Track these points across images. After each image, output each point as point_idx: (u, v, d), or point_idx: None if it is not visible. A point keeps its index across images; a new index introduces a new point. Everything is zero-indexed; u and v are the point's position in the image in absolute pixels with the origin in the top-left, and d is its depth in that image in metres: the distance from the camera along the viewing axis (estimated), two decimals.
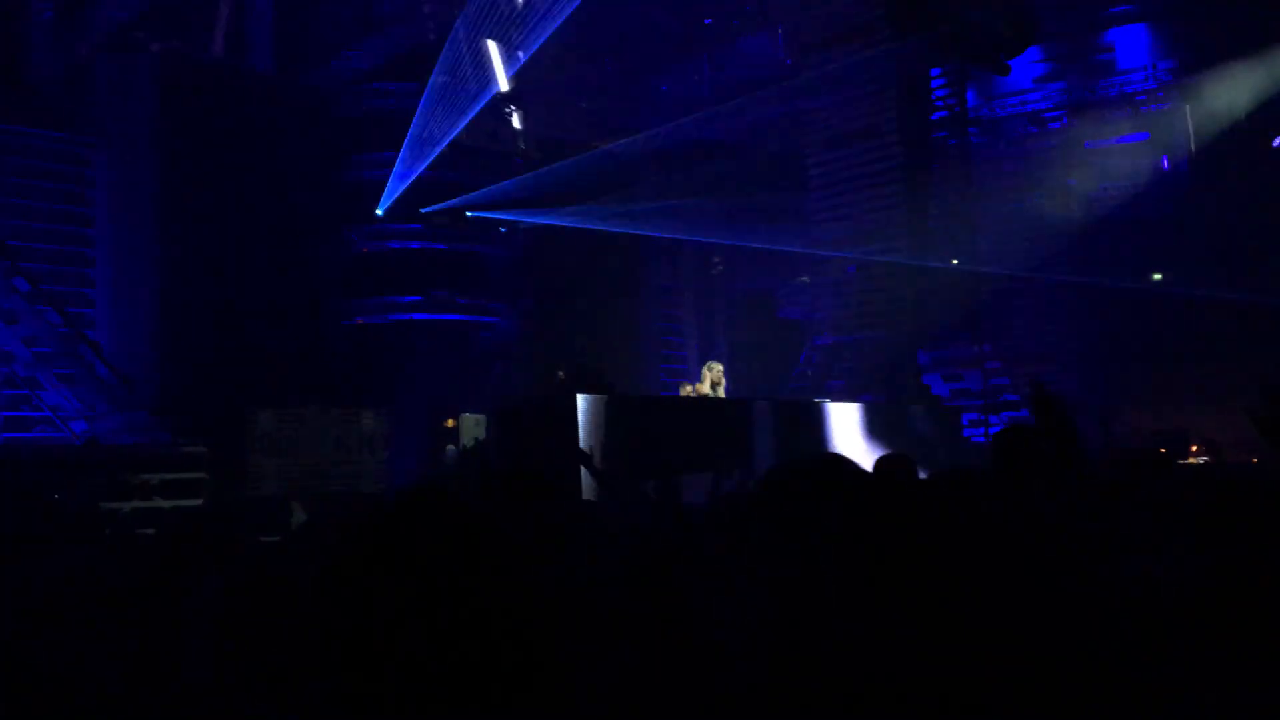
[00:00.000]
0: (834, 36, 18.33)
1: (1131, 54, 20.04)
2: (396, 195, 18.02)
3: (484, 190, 18.37)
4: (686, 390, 13.72)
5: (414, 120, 17.56)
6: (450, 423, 15.36)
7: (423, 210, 18.15)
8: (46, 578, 3.49)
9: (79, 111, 16.81)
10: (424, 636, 1.52)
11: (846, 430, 12.51)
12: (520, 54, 17.44)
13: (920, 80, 18.72)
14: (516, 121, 18.91)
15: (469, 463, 14.20)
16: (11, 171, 16.38)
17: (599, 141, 19.72)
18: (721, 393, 13.17)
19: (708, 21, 20.78)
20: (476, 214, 18.62)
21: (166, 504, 12.78)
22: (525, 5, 17.12)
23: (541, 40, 16.97)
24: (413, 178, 17.79)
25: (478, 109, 17.59)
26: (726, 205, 19.94)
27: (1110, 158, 20.17)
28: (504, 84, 18.04)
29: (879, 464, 4.38)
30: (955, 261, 19.28)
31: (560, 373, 13.70)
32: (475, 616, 1.55)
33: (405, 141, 17.55)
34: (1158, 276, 19.63)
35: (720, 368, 13.43)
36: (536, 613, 1.63)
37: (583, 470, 10.28)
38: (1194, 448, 17.05)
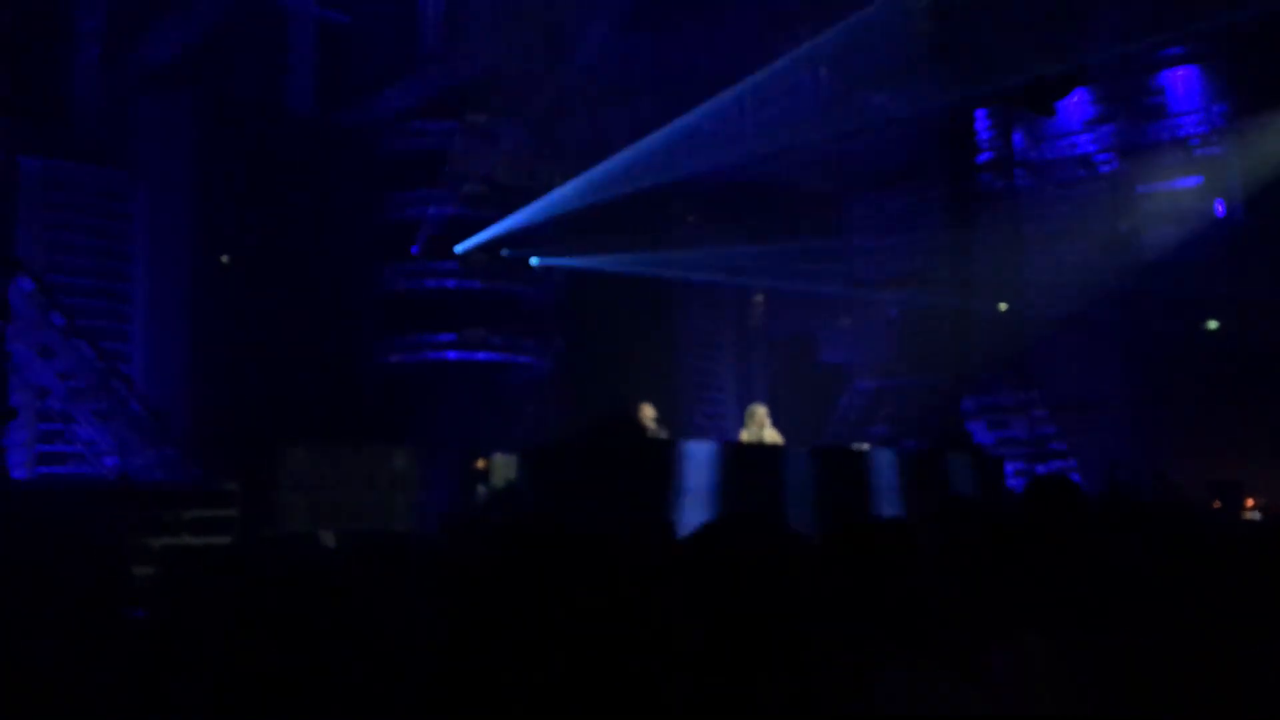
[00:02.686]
0: (877, 77, 18.12)
1: (1184, 97, 19.58)
2: (431, 233, 18.00)
3: (519, 228, 18.29)
4: (745, 436, 13.49)
5: (451, 158, 17.57)
6: (481, 463, 15.16)
7: (456, 249, 18.10)
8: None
9: (119, 148, 16.98)
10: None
11: (880, 477, 12.11)
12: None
13: (964, 121, 18.43)
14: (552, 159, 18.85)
15: (499, 504, 13.99)
16: (52, 207, 16.54)
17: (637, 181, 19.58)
18: (772, 433, 12.96)
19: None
20: (512, 253, 18.53)
21: (196, 541, 12.66)
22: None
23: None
24: (447, 215, 17.76)
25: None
26: (766, 247, 19.71)
27: (1162, 202, 19.70)
28: None
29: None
30: (1002, 306, 18.88)
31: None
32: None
33: (442, 180, 17.56)
34: (1213, 324, 19.07)
35: (764, 409, 13.24)
36: None
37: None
38: (1249, 502, 16.49)
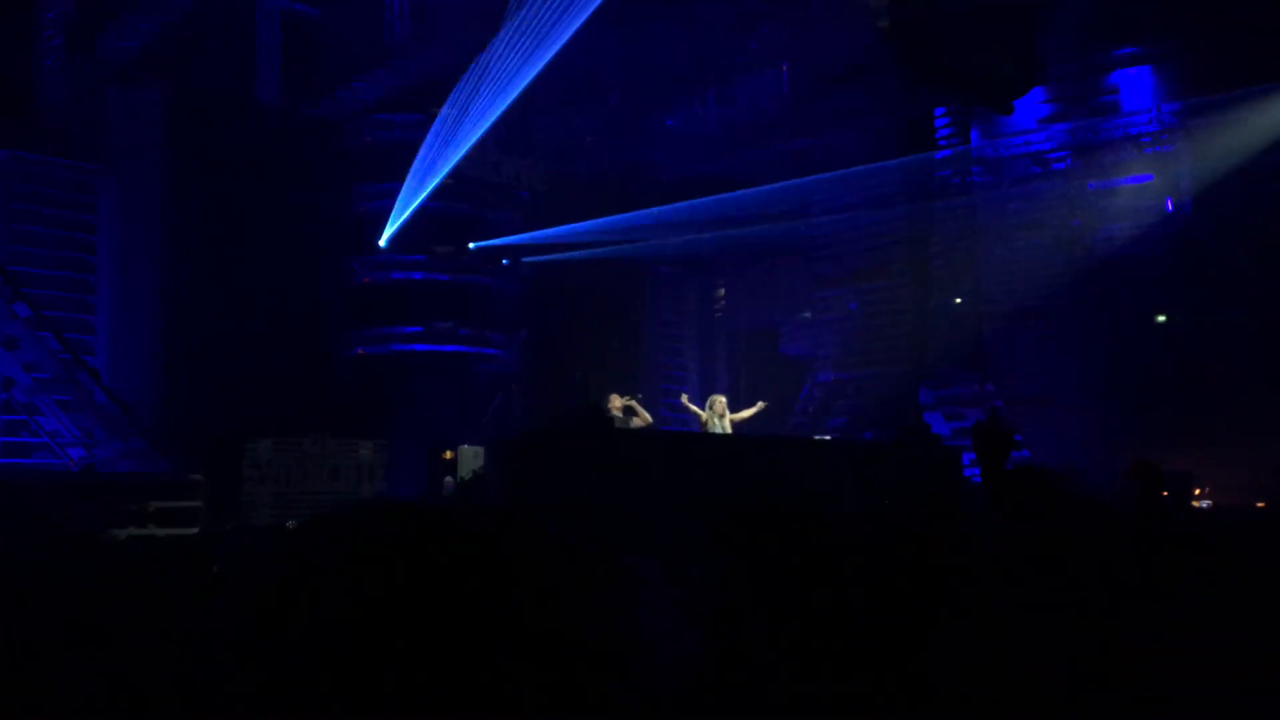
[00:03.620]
0: (838, 75, 18.38)
1: (1136, 96, 19.98)
2: (399, 226, 18.07)
3: (488, 222, 18.43)
4: (685, 399, 13.88)
5: (419, 152, 17.64)
6: (449, 454, 15.30)
7: (434, 246, 18.21)
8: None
9: (86, 139, 16.92)
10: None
11: (840, 468, 12.41)
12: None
13: (924, 119, 18.75)
14: (521, 154, 18.99)
15: (467, 495, 14.14)
16: (17, 197, 16.49)
17: (605, 176, 19.78)
18: (727, 425, 13.21)
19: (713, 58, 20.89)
20: (480, 245, 18.66)
21: (162, 532, 12.72)
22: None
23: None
24: (414, 208, 17.84)
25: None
26: (730, 240, 19.96)
27: (1114, 199, 20.10)
28: None
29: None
30: (958, 300, 19.23)
31: (582, 375, 13.61)
32: None
33: (409, 172, 17.63)
34: (1162, 318, 19.52)
35: (724, 400, 13.50)
36: None
37: None
38: (1197, 491, 16.92)
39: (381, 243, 18.38)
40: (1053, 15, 18.01)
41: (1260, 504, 15.63)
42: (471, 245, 18.63)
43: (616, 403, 13.24)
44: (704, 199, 19.25)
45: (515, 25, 16.70)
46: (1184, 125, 19.41)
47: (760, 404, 13.37)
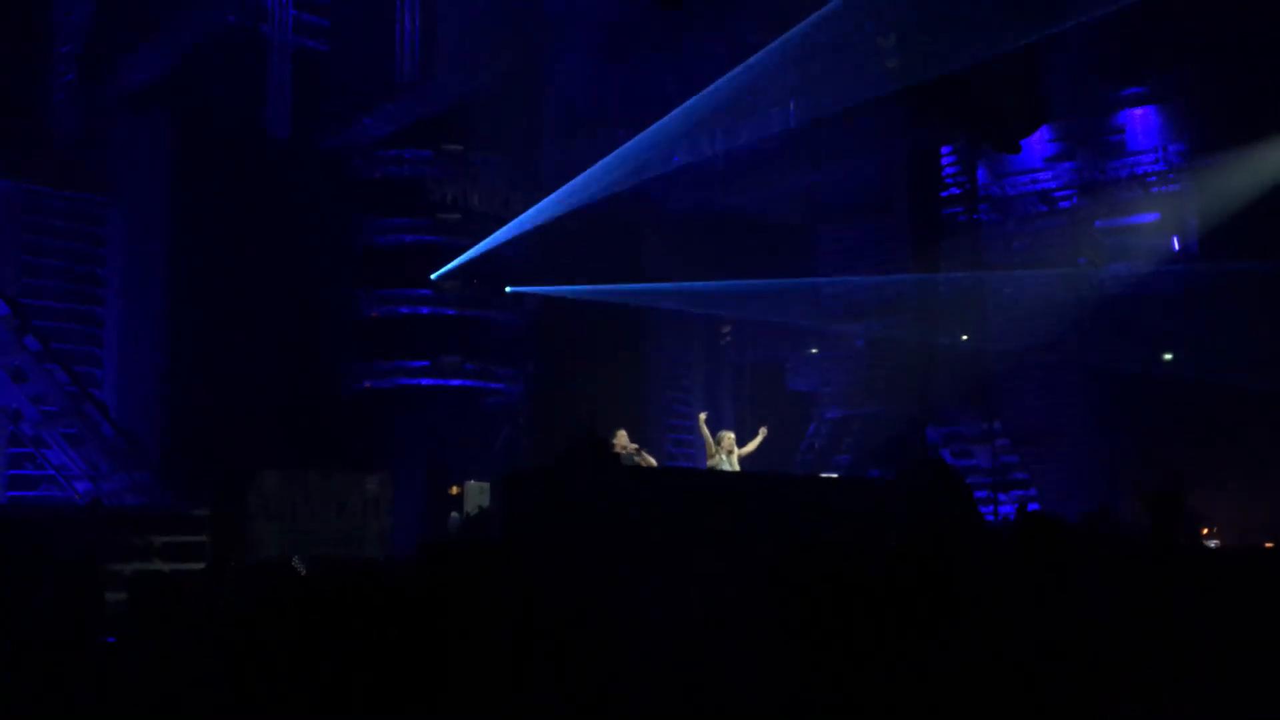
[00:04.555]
0: (846, 112, 18.45)
1: (1142, 136, 20.14)
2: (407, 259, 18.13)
3: (495, 255, 18.45)
4: (703, 419, 13.67)
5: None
6: (455, 490, 15.22)
7: (432, 276, 18.23)
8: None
9: (96, 172, 16.96)
10: None
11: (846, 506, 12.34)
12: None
13: (931, 157, 18.83)
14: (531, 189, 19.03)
15: (473, 531, 14.06)
16: (28, 229, 16.51)
17: (611, 208, 19.81)
18: (735, 462, 13.14)
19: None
20: (485, 280, 18.69)
21: (167, 567, 12.63)
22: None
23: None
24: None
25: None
26: (735, 282, 19.98)
27: (1120, 237, 20.20)
28: None
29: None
30: (965, 337, 19.25)
31: (588, 410, 13.50)
32: None
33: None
34: (1168, 356, 19.54)
35: (732, 436, 13.41)
36: None
37: None
38: (1205, 530, 16.87)
39: (389, 276, 18.39)
40: (1058, 56, 18.14)
41: (1268, 544, 15.61)
42: (476, 280, 18.62)
43: (623, 440, 13.15)
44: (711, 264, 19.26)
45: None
46: (1190, 165, 19.50)
47: (762, 431, 13.28)
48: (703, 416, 13.81)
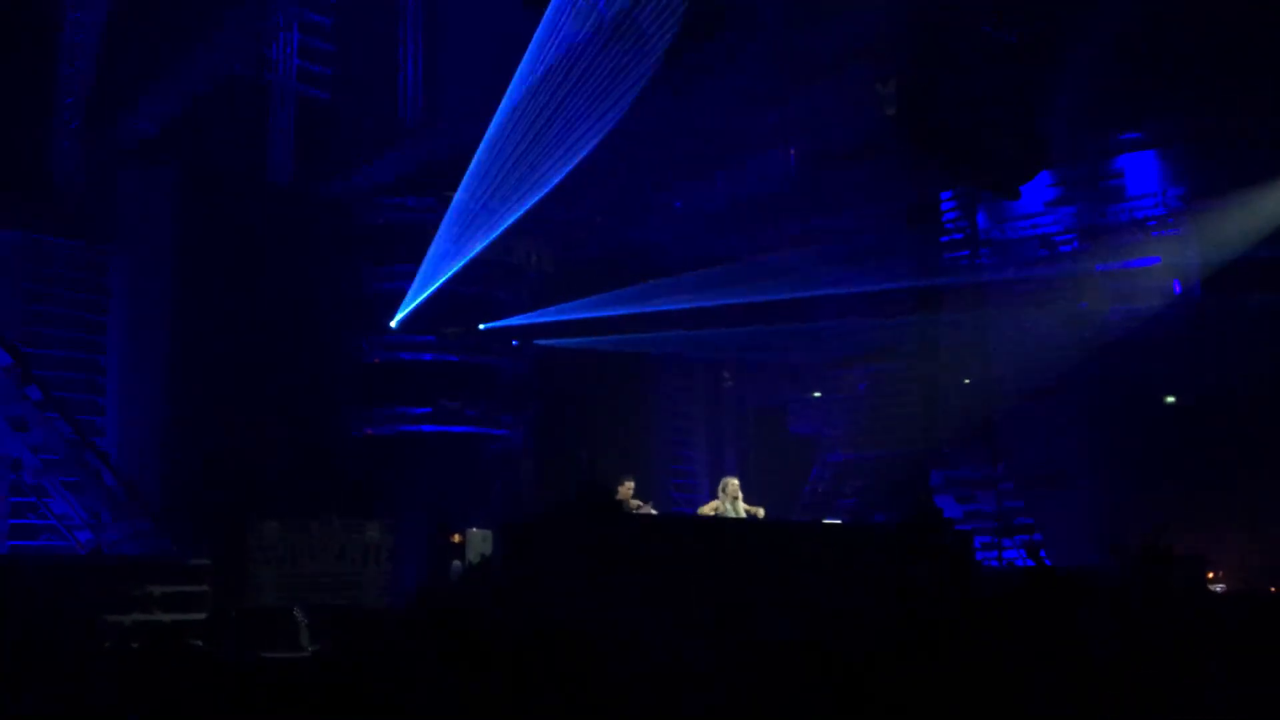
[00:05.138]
0: (847, 156, 18.57)
1: (1142, 180, 20.25)
2: (412, 308, 18.13)
3: (497, 303, 18.50)
4: (707, 510, 13.67)
5: (437, 234, 17.77)
6: (457, 537, 15.17)
7: (446, 329, 18.27)
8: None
9: (99, 219, 17.00)
10: None
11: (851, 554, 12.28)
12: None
13: (931, 202, 18.91)
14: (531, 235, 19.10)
15: (475, 579, 13.98)
16: (30, 278, 16.53)
17: (613, 256, 19.88)
18: (741, 508, 13.15)
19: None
20: (490, 325, 18.71)
21: (167, 618, 12.56)
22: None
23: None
24: (428, 291, 17.92)
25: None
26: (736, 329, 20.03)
27: (1122, 281, 20.26)
28: None
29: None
30: (967, 381, 19.25)
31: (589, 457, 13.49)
32: None
33: (426, 256, 17.74)
34: (1171, 399, 19.53)
35: (736, 483, 13.45)
36: None
37: None
38: (1210, 575, 16.78)
39: (392, 324, 18.40)
40: (1056, 101, 18.28)
41: (1274, 588, 15.50)
42: (482, 326, 18.64)
43: (628, 491, 13.12)
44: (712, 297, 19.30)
45: (529, 108, 16.92)
46: (1190, 209, 19.59)
47: (760, 510, 13.33)
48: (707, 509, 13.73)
